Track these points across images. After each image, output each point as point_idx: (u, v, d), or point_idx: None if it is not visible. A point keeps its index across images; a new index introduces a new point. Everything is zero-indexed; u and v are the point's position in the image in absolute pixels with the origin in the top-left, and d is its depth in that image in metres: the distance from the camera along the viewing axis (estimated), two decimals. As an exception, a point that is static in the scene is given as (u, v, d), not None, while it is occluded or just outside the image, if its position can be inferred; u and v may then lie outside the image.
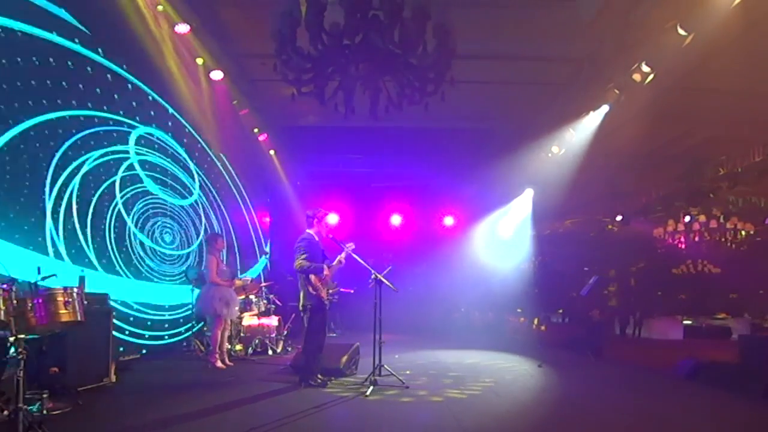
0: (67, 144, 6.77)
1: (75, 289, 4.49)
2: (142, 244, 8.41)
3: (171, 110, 9.50)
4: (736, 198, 14.19)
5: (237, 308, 8.15)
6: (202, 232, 10.30)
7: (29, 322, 4.12)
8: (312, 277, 6.25)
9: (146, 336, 8.30)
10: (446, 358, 8.85)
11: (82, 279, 6.17)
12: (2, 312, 3.88)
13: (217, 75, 9.30)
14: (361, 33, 5.32)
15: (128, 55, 8.04)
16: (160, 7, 7.60)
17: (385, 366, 6.38)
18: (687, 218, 14.34)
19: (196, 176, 10.35)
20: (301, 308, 6.41)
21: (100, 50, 7.51)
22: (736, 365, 7.21)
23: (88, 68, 7.31)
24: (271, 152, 13.42)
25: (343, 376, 6.76)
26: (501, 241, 15.30)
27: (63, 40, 6.71)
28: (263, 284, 9.94)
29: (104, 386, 5.82)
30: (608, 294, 13.54)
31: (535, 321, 13.93)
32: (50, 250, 6.33)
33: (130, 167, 8.23)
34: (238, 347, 8.65)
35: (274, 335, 9.04)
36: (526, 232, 15.07)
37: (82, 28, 7.08)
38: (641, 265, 14.78)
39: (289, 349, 9.21)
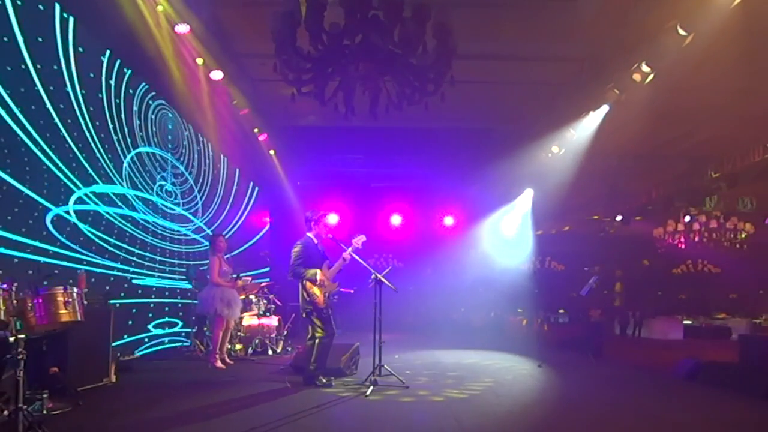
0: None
1: (75, 290, 4.50)
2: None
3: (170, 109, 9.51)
4: (737, 198, 14.20)
5: (240, 309, 8.16)
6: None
7: (29, 322, 4.13)
8: (307, 283, 6.24)
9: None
10: (446, 358, 8.85)
11: (82, 274, 6.15)
12: (2, 312, 3.88)
13: (217, 75, 9.30)
14: (361, 33, 5.32)
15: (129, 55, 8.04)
16: (160, 8, 7.58)
17: (385, 366, 6.37)
18: (687, 218, 14.35)
19: (195, 177, 10.34)
20: (301, 311, 6.40)
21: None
22: (736, 365, 7.21)
23: (91, 74, 7.33)
24: (271, 152, 13.41)
25: (343, 376, 6.75)
26: (501, 241, 15.30)
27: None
28: (263, 284, 9.94)
29: (104, 386, 5.83)
30: (613, 294, 13.54)
31: (538, 321, 13.93)
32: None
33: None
34: (238, 347, 8.66)
35: (274, 335, 9.04)
36: (526, 232, 15.07)
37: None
38: (646, 263, 14.79)
39: (289, 349, 9.21)
